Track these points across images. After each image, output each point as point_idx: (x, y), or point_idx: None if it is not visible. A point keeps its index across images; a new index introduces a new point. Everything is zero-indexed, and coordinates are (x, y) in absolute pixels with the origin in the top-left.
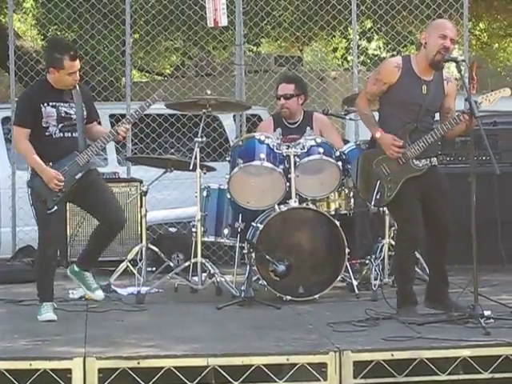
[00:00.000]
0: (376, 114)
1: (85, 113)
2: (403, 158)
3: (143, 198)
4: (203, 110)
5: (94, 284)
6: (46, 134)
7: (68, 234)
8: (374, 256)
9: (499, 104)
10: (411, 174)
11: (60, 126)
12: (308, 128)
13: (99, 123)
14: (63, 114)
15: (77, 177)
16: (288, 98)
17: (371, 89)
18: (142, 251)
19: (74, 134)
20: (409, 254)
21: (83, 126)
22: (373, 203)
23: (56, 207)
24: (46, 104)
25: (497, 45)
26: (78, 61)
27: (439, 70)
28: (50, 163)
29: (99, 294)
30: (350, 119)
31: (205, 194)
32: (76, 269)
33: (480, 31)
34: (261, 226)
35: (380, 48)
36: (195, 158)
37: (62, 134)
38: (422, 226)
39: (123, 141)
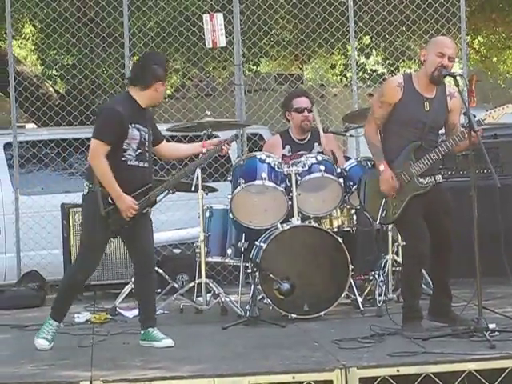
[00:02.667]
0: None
1: (152, 138)
2: (408, 176)
3: None
4: (204, 131)
5: (160, 334)
6: (122, 158)
7: (73, 258)
8: (377, 272)
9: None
10: (416, 191)
11: (138, 152)
12: (316, 144)
13: None
14: (143, 139)
15: (144, 211)
16: (310, 110)
17: (378, 112)
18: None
19: (145, 164)
20: (416, 270)
21: (151, 155)
22: (378, 221)
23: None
24: (133, 125)
25: (496, 58)
26: None
27: (439, 84)
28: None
29: (167, 342)
30: (351, 136)
31: (208, 214)
32: (142, 331)
33: (479, 44)
34: (264, 245)
35: (378, 63)
36: (197, 179)
37: (136, 163)
38: (429, 243)
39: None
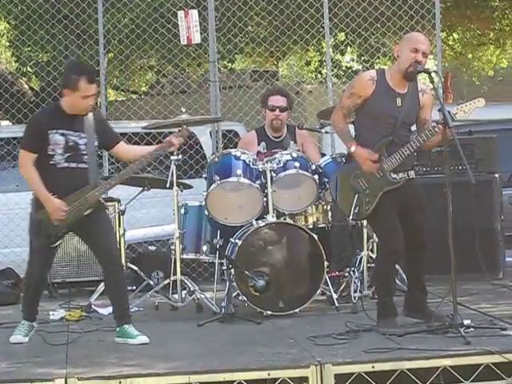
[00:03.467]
0: (351, 127)
1: (96, 143)
2: (380, 172)
3: (121, 217)
4: (178, 128)
5: (134, 331)
6: (51, 162)
7: None
8: (353, 268)
9: (475, 112)
10: (389, 186)
11: (66, 155)
12: (292, 142)
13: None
14: (71, 143)
15: (85, 213)
16: (283, 110)
17: (346, 103)
18: None
19: (80, 165)
20: (390, 266)
21: (95, 158)
22: (351, 217)
23: (58, 242)
24: (54, 131)
25: (471, 54)
26: (95, 85)
27: (412, 81)
28: (54, 194)
29: (142, 339)
30: (326, 132)
31: (182, 211)
32: (118, 328)
33: (454, 41)
34: (239, 242)
35: (353, 60)
36: (172, 176)
37: (66, 164)
38: (402, 239)
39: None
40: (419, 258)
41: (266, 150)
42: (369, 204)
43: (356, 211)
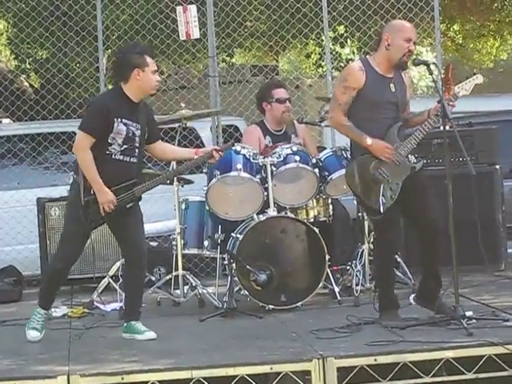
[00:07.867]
0: None
1: (146, 135)
2: (399, 158)
3: None
4: (178, 124)
5: (142, 327)
6: (106, 152)
7: (49, 252)
8: (354, 262)
9: (475, 103)
10: (410, 171)
11: (124, 147)
12: (293, 135)
13: None
14: (130, 135)
15: (128, 206)
16: (290, 102)
17: (343, 98)
18: (123, 267)
19: (132, 160)
20: (388, 258)
21: (143, 151)
22: (382, 208)
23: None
24: (119, 119)
25: (472, 45)
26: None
27: (404, 69)
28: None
29: (149, 334)
30: (326, 126)
31: (183, 206)
32: (125, 324)
33: (454, 33)
34: (240, 237)
35: (353, 53)
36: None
37: (121, 157)
38: (400, 230)
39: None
40: (432, 244)
41: (271, 144)
42: (393, 192)
43: (384, 201)
